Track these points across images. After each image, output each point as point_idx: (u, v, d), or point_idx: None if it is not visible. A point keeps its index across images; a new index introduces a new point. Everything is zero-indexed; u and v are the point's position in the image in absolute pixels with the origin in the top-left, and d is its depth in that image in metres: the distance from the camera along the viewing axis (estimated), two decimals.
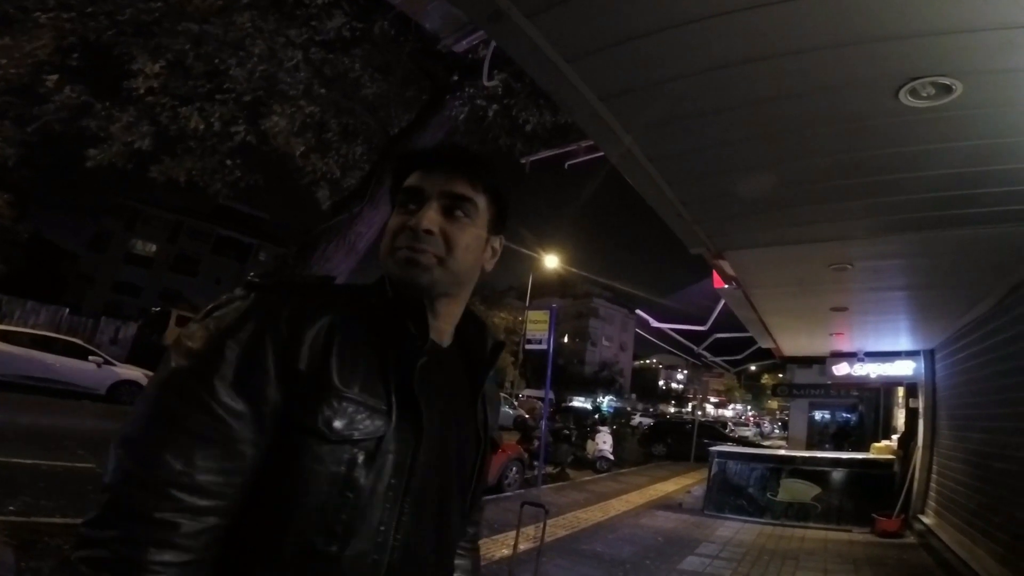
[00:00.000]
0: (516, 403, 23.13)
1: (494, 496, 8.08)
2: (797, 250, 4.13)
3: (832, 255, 4.20)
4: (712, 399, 64.67)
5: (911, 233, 3.57)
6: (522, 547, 4.51)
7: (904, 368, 8.27)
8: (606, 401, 39.45)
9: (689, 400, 61.37)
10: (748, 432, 30.10)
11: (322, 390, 0.74)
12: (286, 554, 0.71)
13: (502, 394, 22.05)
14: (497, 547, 5.41)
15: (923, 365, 8.03)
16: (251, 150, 5.47)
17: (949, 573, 5.39)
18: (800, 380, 12.34)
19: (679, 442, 17.59)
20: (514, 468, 9.07)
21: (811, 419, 14.02)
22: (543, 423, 7.54)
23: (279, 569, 0.71)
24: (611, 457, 12.95)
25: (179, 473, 0.66)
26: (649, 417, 34.70)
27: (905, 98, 2.19)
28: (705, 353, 16.81)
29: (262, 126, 5.23)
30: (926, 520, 7.16)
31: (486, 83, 4.38)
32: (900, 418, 9.45)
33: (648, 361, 61.90)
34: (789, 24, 1.89)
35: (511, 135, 5.58)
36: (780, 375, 19.10)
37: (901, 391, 9.33)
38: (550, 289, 42.47)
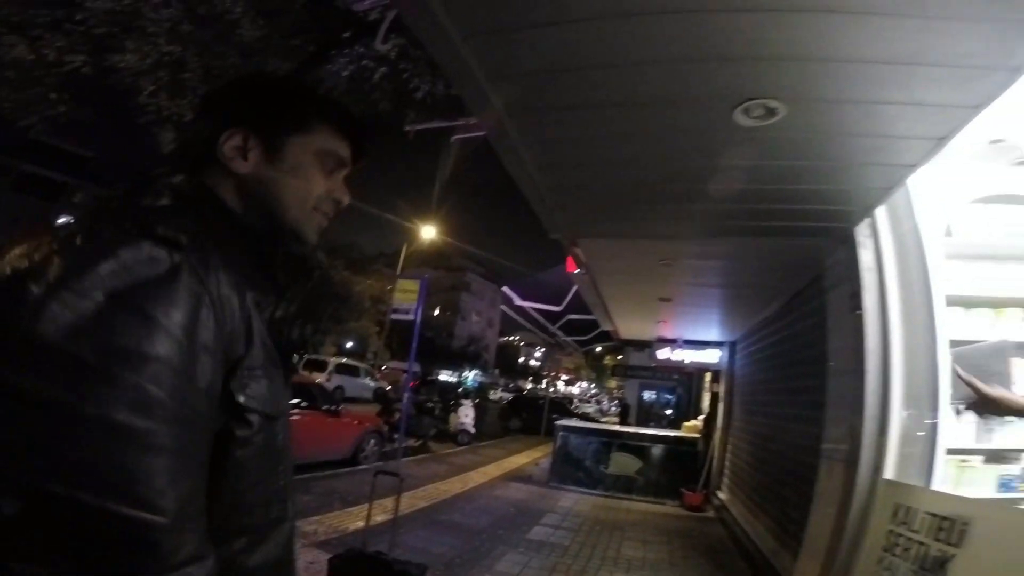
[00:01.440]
0: (379, 375, 22.62)
1: (349, 468, 7.92)
2: (637, 244, 4.51)
3: (663, 251, 4.65)
4: (564, 377, 69.34)
5: (727, 238, 4.07)
6: (380, 518, 4.49)
7: (712, 356, 9.52)
8: (471, 375, 40.26)
9: (544, 377, 65.19)
10: (590, 409, 32.88)
11: (248, 368, 0.69)
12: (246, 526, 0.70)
13: (362, 365, 21.38)
14: (352, 519, 5.32)
15: (727, 355, 9.25)
16: (85, 82, 4.72)
17: (737, 546, 6.12)
18: (634, 362, 13.65)
19: (533, 417, 18.63)
20: (372, 440, 8.91)
21: (641, 398, 15.67)
22: (405, 395, 7.49)
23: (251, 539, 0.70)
24: (472, 430, 13.34)
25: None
26: (509, 392, 36.17)
27: (739, 117, 2.41)
28: (559, 332, 17.92)
29: (107, 60, 4.51)
30: (721, 496, 8.08)
31: (379, 45, 4.20)
32: (707, 401, 10.70)
33: (511, 338, 64.27)
34: (639, 38, 2.04)
35: (395, 101, 5.42)
36: (619, 356, 20.99)
37: (709, 376, 10.65)
38: (424, 259, 41.87)
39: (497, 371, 54.68)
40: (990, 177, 2.74)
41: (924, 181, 2.74)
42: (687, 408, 13.71)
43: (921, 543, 2.33)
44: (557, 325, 18.16)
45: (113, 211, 0.68)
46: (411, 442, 11.20)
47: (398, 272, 18.73)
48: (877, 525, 2.69)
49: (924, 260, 2.52)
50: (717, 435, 8.89)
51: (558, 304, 15.25)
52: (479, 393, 20.71)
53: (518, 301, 15.85)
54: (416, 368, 29.66)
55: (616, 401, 27.85)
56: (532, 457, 12.58)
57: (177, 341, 0.58)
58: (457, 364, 40.35)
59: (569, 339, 22.06)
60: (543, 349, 69.48)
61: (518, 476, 9.85)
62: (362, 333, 28.07)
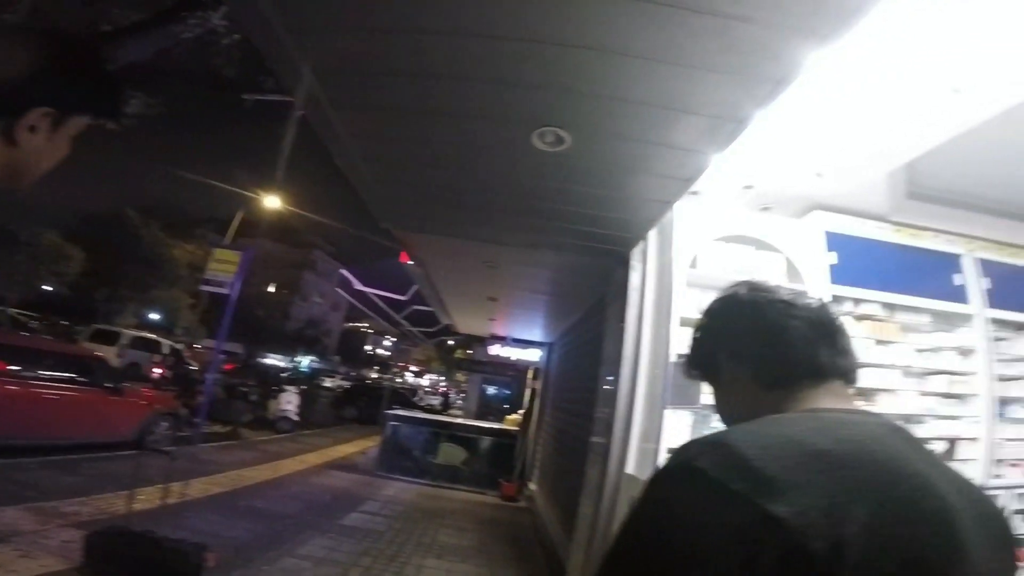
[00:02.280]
0: (189, 353, 20.10)
1: (134, 452, 7.04)
2: (463, 244, 4.68)
3: (486, 254, 4.89)
4: (414, 368, 68.64)
5: (538, 249, 4.41)
6: (159, 501, 4.16)
7: (534, 355, 10.29)
8: (306, 361, 37.77)
9: (392, 367, 63.81)
10: (435, 401, 33.04)
11: None
12: None
13: (167, 341, 18.86)
14: (125, 501, 4.78)
15: (545, 354, 10.02)
16: None
17: (539, 534, 6.55)
18: (479, 357, 14.11)
19: (371, 407, 18.16)
20: (164, 423, 7.96)
21: (483, 391, 16.22)
22: (209, 377, 6.82)
23: None
24: (294, 418, 12.54)
25: None
26: (349, 381, 34.71)
27: (536, 140, 2.64)
28: (404, 322, 17.70)
29: None
30: (532, 487, 8.63)
31: (216, 20, 3.94)
32: (528, 396, 11.38)
33: (358, 325, 61.82)
34: (441, 53, 2.16)
35: (241, 69, 5.10)
36: (469, 351, 21.46)
37: (531, 374, 11.42)
38: (267, 232, 38.21)
39: (339, 358, 52.12)
40: (736, 219, 3.31)
41: (685, 216, 3.22)
42: (517, 403, 14.40)
43: None
44: (403, 315, 17.89)
45: None
46: (218, 428, 10.21)
47: (227, 241, 16.86)
48: (620, 517, 3.05)
49: (671, 286, 2.96)
50: (532, 429, 9.48)
51: (404, 294, 14.99)
52: (310, 380, 19.52)
53: (358, 285, 15.27)
54: (236, 349, 27.01)
55: (463, 394, 28.35)
56: (362, 447, 12.31)
57: None
58: (291, 348, 37.57)
59: (415, 329, 21.85)
60: (393, 339, 68.00)
61: (342, 465, 9.58)
62: (173, 305, 24.57)
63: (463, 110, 2.52)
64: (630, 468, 3.06)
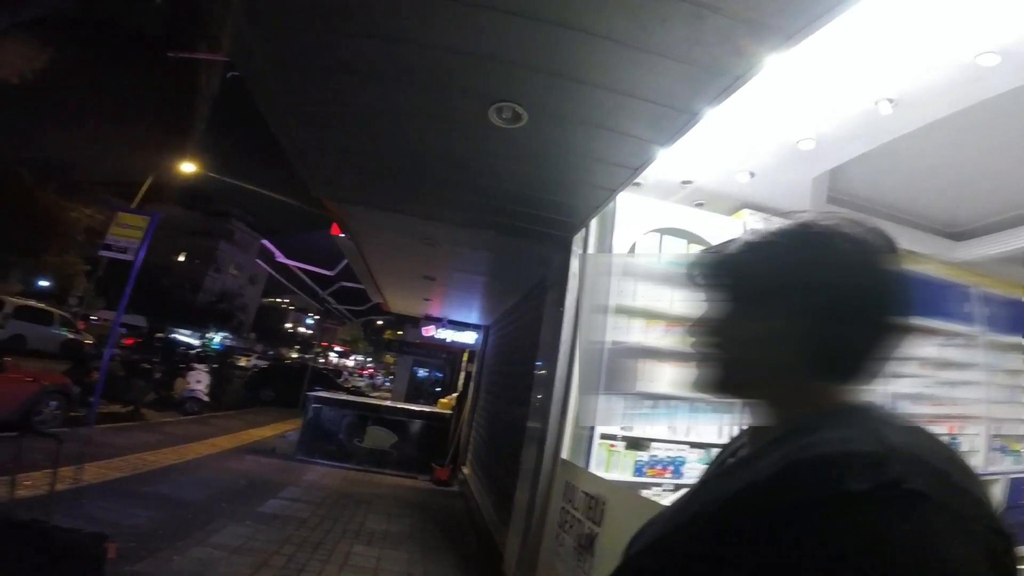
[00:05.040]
0: (82, 324, 18.20)
1: (15, 434, 6.30)
2: (399, 218, 4.51)
3: (426, 230, 4.75)
4: (338, 348, 66.45)
5: (479, 229, 4.32)
6: (45, 489, 3.73)
7: (470, 337, 10.23)
8: (218, 337, 35.40)
9: (315, 347, 61.43)
10: (362, 383, 32.21)
11: None
12: None
13: (58, 311, 16.98)
14: (6, 488, 4.28)
15: (481, 337, 9.99)
16: None
17: (472, 519, 6.54)
18: (410, 338, 13.86)
19: (291, 388, 17.33)
20: (53, 403, 7.20)
21: (413, 374, 15.98)
22: (106, 351, 6.19)
23: None
24: (204, 399, 11.69)
25: None
26: (266, 359, 32.95)
27: (492, 115, 2.56)
28: (329, 299, 17.00)
29: None
30: (465, 471, 8.63)
31: None
32: (462, 379, 11.31)
33: (278, 300, 58.80)
34: (396, 12, 2.03)
35: (165, 24, 4.56)
36: (400, 332, 21.03)
37: (467, 357, 11.38)
38: (179, 198, 35.24)
39: (254, 335, 49.37)
40: (669, 212, 3.39)
41: (625, 205, 3.26)
42: (450, 386, 14.29)
43: (579, 520, 2.67)
44: (329, 291, 17.16)
45: None
46: (117, 408, 9.36)
47: (134, 205, 15.31)
48: (555, 502, 3.08)
49: (609, 274, 2.99)
50: (465, 412, 9.45)
51: (331, 269, 14.35)
52: (223, 357, 18.30)
53: (281, 258, 14.44)
54: (138, 322, 24.78)
55: (391, 376, 27.74)
56: (280, 430, 11.76)
57: None
58: (202, 323, 35.07)
59: (342, 308, 21.07)
60: (316, 316, 65.43)
61: (258, 449, 9.10)
62: (66, 271, 22.09)
63: (418, 78, 2.38)
64: (565, 453, 3.09)
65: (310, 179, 3.94)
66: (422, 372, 16.70)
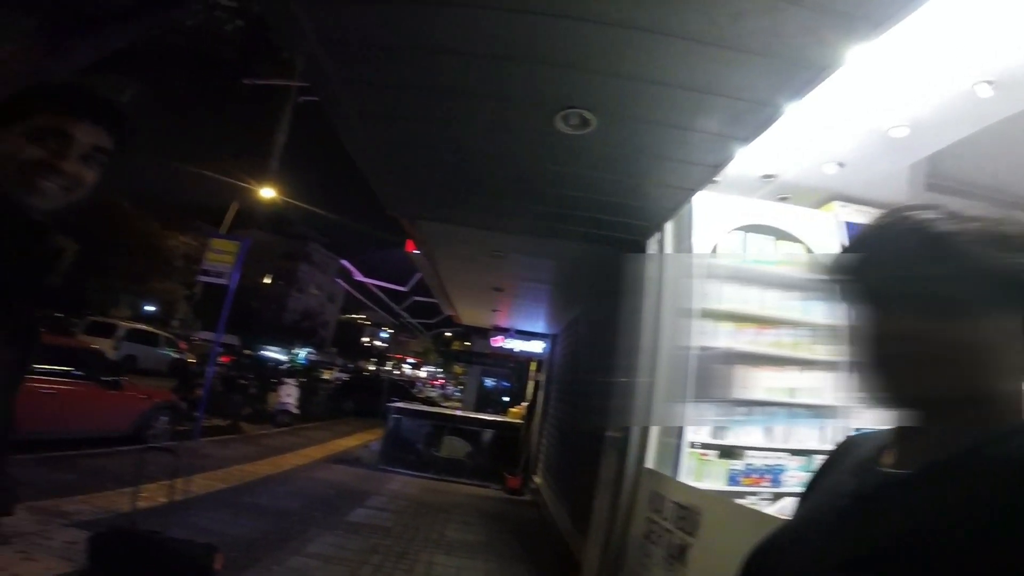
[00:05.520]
0: (184, 345, 19.91)
1: (129, 447, 6.96)
2: (471, 232, 4.59)
3: (494, 242, 4.80)
4: (411, 360, 68.59)
5: (547, 239, 4.31)
6: (162, 499, 4.14)
7: (538, 347, 10.20)
8: (303, 353, 37.58)
9: (389, 359, 63.72)
10: (434, 393, 33.04)
11: None
12: None
13: (163, 333, 18.64)
14: (126, 499, 4.71)
15: (549, 346, 9.87)
16: None
17: (546, 528, 6.49)
18: (478, 349, 14.00)
19: (370, 399, 18.06)
20: (163, 417, 7.87)
21: (482, 384, 16.15)
22: (209, 369, 6.73)
23: None
24: (294, 411, 12.43)
25: None
26: (347, 373, 34.60)
27: (559, 123, 2.53)
28: (404, 313, 17.60)
29: None
30: (537, 480, 8.55)
31: None
32: (531, 389, 11.29)
33: (355, 316, 61.59)
34: (460, 28, 2.05)
35: (244, 54, 5.08)
36: (467, 343, 21.39)
37: (535, 366, 11.32)
38: (261, 223, 37.88)
39: (335, 350, 51.96)
40: (752, 209, 3.23)
41: (704, 205, 3.14)
42: (519, 395, 14.37)
43: (669, 531, 2.58)
44: (403, 306, 17.77)
45: None
46: (218, 422, 10.12)
47: (222, 231, 16.62)
48: (640, 512, 2.99)
49: (691, 276, 2.88)
50: (536, 422, 9.41)
51: (404, 284, 14.88)
52: (309, 372, 19.38)
53: (359, 276, 15.16)
54: (233, 341, 26.76)
55: (460, 387, 28.31)
56: (363, 440, 12.21)
57: None
58: (288, 340, 37.36)
59: (415, 321, 21.72)
60: (390, 331, 67.90)
61: (344, 459, 9.50)
62: (168, 297, 24.24)
63: (483, 90, 2.42)
64: (650, 463, 2.99)
65: (385, 198, 4.08)
66: (490, 382, 16.84)
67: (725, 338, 2.61)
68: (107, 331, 16.01)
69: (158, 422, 7.80)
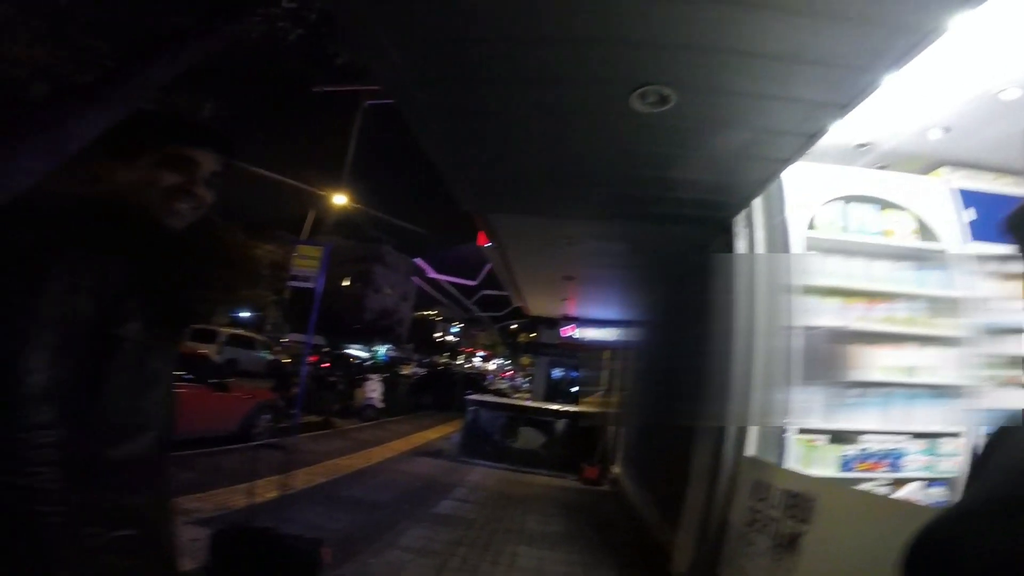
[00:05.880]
0: (277, 348, 21.36)
1: (239, 445, 7.52)
2: (543, 221, 4.54)
3: (567, 230, 4.72)
4: (480, 353, 69.80)
5: (622, 222, 4.19)
6: (272, 495, 4.36)
7: (611, 334, 9.89)
8: (383, 350, 39.28)
9: (460, 353, 65.23)
10: (504, 385, 33.46)
11: None
12: None
13: (259, 337, 20.01)
14: (238, 496, 5.06)
15: (623, 334, 9.52)
16: None
17: (628, 518, 6.35)
18: (545, 340, 13.94)
19: (446, 392, 18.58)
20: (265, 416, 8.46)
21: (550, 374, 16.09)
22: (303, 369, 7.16)
23: None
24: (379, 405, 13.04)
25: None
26: (423, 367, 35.80)
27: (635, 102, 2.44)
28: (474, 307, 17.92)
29: None
30: (615, 470, 8.41)
31: (286, 3, 4.05)
32: (605, 378, 11.02)
33: (427, 312, 63.39)
34: (535, 13, 2.00)
35: (307, 62, 5.25)
36: (533, 334, 21.45)
37: (608, 355, 11.02)
38: (335, 228, 39.84)
39: (411, 346, 53.82)
40: (850, 178, 2.99)
41: (795, 177, 2.94)
42: (590, 385, 14.21)
43: (776, 519, 2.47)
44: (472, 300, 18.09)
45: None
46: (312, 418, 10.77)
47: (302, 238, 17.64)
48: (740, 501, 2.88)
49: (788, 252, 2.71)
50: (612, 411, 9.26)
51: (473, 279, 15.14)
52: (389, 368, 20.23)
53: (432, 274, 15.61)
54: (320, 341, 28.45)
55: (528, 378, 28.51)
56: (442, 432, 12.54)
57: None
58: (367, 338, 39.14)
59: (484, 314, 22.05)
60: (460, 325, 69.34)
61: (427, 451, 9.78)
62: (259, 303, 26.12)
63: (556, 75, 2.36)
64: (751, 450, 2.86)
65: (460, 193, 4.13)
66: (558, 372, 16.76)
67: (831, 316, 2.43)
68: (210, 337, 17.40)
69: (261, 420, 8.37)
